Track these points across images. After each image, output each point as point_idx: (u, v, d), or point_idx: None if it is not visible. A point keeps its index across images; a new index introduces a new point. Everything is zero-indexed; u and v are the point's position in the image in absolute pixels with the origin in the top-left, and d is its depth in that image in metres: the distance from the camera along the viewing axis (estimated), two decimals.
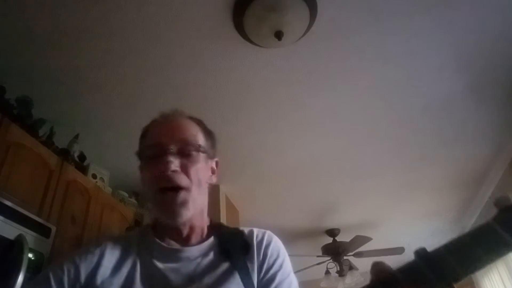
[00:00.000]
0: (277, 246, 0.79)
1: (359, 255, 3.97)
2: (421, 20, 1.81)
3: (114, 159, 2.63)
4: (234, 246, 0.76)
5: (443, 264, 0.42)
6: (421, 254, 0.43)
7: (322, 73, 2.10)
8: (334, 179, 3.21)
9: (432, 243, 0.47)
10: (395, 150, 2.85)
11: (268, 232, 0.82)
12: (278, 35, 1.72)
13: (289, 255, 0.82)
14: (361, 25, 1.82)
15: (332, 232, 4.15)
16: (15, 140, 1.79)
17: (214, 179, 0.84)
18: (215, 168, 0.85)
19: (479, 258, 0.41)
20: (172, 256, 0.74)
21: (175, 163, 0.73)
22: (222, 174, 2.74)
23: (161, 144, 0.76)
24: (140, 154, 0.81)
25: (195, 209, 0.75)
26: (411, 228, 4.18)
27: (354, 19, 1.78)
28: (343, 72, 2.10)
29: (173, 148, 0.75)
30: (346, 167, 3.04)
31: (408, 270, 0.44)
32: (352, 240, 3.81)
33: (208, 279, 0.70)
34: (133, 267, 0.72)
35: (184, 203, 0.73)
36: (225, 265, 0.73)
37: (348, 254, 4.05)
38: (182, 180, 0.73)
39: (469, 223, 4.05)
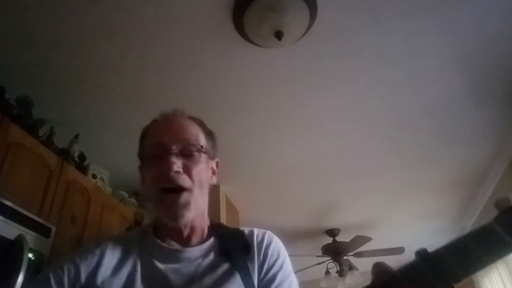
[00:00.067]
0: (277, 247, 0.79)
1: (359, 255, 3.97)
2: (421, 20, 1.81)
3: (114, 159, 2.63)
4: (234, 247, 0.76)
5: (444, 264, 0.42)
6: (421, 254, 0.43)
7: (322, 73, 2.10)
8: (334, 179, 3.21)
9: (432, 243, 0.47)
10: (395, 150, 2.85)
11: (268, 233, 0.82)
12: (278, 35, 1.72)
13: (289, 255, 0.81)
14: (361, 25, 1.82)
15: (332, 232, 4.15)
16: (15, 140, 1.79)
17: (214, 180, 0.84)
18: (216, 168, 0.85)
19: (480, 259, 0.41)
20: (172, 256, 0.74)
21: (177, 164, 0.73)
22: (222, 174, 2.73)
23: (163, 144, 0.75)
24: (141, 154, 0.81)
25: (197, 210, 0.75)
26: (411, 228, 4.18)
27: (354, 19, 1.78)
28: (343, 72, 2.10)
29: (175, 148, 0.75)
30: (346, 167, 3.04)
31: (408, 270, 0.44)
32: (352, 240, 3.81)
33: (209, 280, 0.70)
34: (134, 268, 0.72)
35: (186, 205, 0.73)
36: (225, 266, 0.73)
37: (348, 254, 4.05)
38: (185, 181, 0.73)
39: (469, 223, 4.05)
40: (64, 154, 2.18)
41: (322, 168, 3.03)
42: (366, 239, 3.78)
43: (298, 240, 4.28)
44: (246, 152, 2.76)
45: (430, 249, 0.44)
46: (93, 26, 1.74)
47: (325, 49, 1.94)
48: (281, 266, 0.76)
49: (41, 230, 1.79)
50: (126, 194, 2.80)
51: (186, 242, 0.77)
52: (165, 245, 0.75)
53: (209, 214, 0.84)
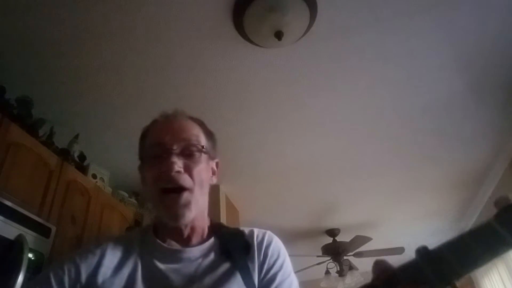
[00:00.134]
0: (277, 247, 0.79)
1: (359, 255, 3.97)
2: (421, 20, 1.81)
3: (114, 159, 2.63)
4: (234, 247, 0.76)
5: (444, 262, 0.42)
6: (422, 252, 0.44)
7: (322, 73, 2.10)
8: (334, 179, 3.21)
9: (432, 243, 0.47)
10: (395, 150, 2.85)
11: (268, 233, 0.82)
12: (278, 35, 1.72)
13: (289, 255, 0.82)
14: (361, 25, 1.82)
15: (332, 232, 4.15)
16: (15, 140, 1.79)
17: (214, 180, 0.84)
18: (216, 169, 0.86)
19: (479, 256, 0.41)
20: (173, 256, 0.74)
21: (178, 164, 0.73)
22: (222, 174, 2.74)
23: (164, 144, 0.75)
24: (141, 155, 0.81)
25: (197, 210, 0.75)
26: (411, 228, 4.18)
27: (354, 19, 1.78)
28: (343, 72, 2.10)
29: (176, 148, 0.75)
30: (346, 167, 3.04)
31: (409, 268, 0.44)
32: (352, 240, 3.81)
33: (209, 280, 0.70)
34: (134, 268, 0.72)
35: (187, 204, 0.73)
36: (226, 266, 0.73)
37: (348, 254, 4.05)
38: (186, 181, 0.73)
39: (469, 223, 4.05)
40: (64, 154, 2.18)
41: (322, 168, 3.03)
42: (366, 239, 3.79)
43: (298, 240, 4.28)
44: (246, 152, 2.76)
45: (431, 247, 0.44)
46: (93, 26, 1.74)
47: (325, 49, 1.94)
48: (281, 266, 0.76)
49: (41, 230, 1.79)
50: (126, 194, 2.80)
51: (186, 242, 0.77)
52: (165, 245, 0.75)
53: (209, 214, 0.84)
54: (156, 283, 0.70)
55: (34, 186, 1.86)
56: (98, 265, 0.71)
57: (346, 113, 2.43)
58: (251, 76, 2.09)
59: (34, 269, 1.64)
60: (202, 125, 0.84)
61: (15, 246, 1.59)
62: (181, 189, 0.73)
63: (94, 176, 2.48)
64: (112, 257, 0.73)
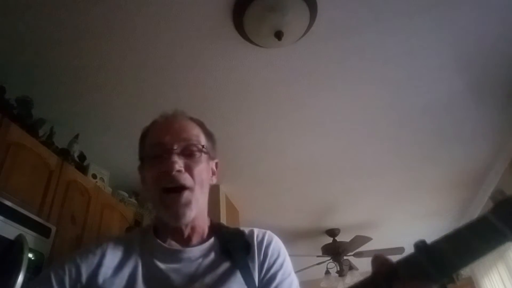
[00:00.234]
0: (277, 246, 0.79)
1: (359, 255, 3.97)
2: (421, 20, 1.81)
3: (114, 159, 2.63)
4: (235, 246, 0.76)
5: (442, 256, 0.43)
6: (420, 246, 0.45)
7: (322, 73, 2.10)
8: (334, 179, 3.21)
9: None
10: (395, 150, 2.85)
11: (268, 232, 0.82)
12: (278, 35, 1.72)
13: (289, 255, 0.82)
14: (361, 25, 1.82)
15: (332, 232, 4.15)
16: (15, 140, 1.79)
17: (214, 180, 0.85)
18: (215, 169, 0.86)
19: (477, 249, 0.42)
20: (173, 256, 0.74)
21: (179, 163, 0.73)
22: (222, 174, 2.74)
23: (165, 144, 0.76)
24: (141, 155, 0.81)
25: (198, 209, 0.76)
26: (411, 228, 4.18)
27: (354, 19, 1.78)
28: (343, 72, 2.10)
29: (176, 148, 0.75)
30: (346, 167, 3.04)
31: (408, 262, 0.45)
32: (352, 240, 3.81)
33: (210, 279, 0.70)
34: (135, 268, 0.72)
35: (187, 204, 0.73)
36: (226, 265, 0.73)
37: (348, 254, 4.05)
38: (186, 180, 0.74)
39: None
40: (64, 154, 2.18)
41: (322, 168, 3.03)
42: (366, 239, 3.79)
43: (298, 240, 4.28)
44: (246, 152, 2.76)
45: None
46: (93, 26, 1.74)
47: (325, 49, 1.94)
48: (281, 265, 0.76)
49: (41, 230, 1.79)
50: (126, 194, 2.80)
51: (186, 242, 0.77)
52: (165, 245, 0.76)
53: (209, 214, 0.84)
54: (157, 283, 0.70)
55: (34, 186, 1.86)
56: (99, 265, 0.71)
57: (346, 113, 2.44)
58: (251, 76, 2.09)
59: (34, 269, 1.64)
60: (202, 125, 0.84)
61: (15, 246, 1.59)
62: (181, 188, 0.73)
63: (94, 176, 2.48)
64: (112, 257, 0.73)
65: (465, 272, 4.38)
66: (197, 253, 0.75)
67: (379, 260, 0.47)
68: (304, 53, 1.95)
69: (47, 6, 1.64)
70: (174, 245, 0.76)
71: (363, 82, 2.18)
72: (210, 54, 1.93)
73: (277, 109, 2.37)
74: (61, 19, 1.70)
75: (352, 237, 3.79)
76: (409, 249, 0.46)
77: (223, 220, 2.96)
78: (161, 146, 0.76)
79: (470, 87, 2.27)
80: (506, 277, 3.47)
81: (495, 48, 2.00)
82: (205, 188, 0.79)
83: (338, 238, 4.15)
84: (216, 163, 0.86)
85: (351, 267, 3.99)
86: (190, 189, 0.74)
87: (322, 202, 3.60)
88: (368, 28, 1.84)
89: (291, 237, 4.14)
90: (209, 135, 0.84)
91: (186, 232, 0.77)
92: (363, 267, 4.02)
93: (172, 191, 0.73)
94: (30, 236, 1.68)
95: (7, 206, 1.63)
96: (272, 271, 0.74)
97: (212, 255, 0.75)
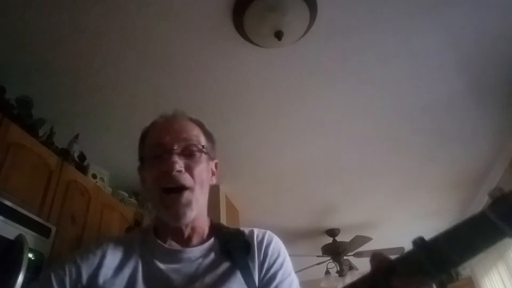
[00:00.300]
0: (277, 246, 0.79)
1: (359, 255, 3.97)
2: (421, 20, 1.81)
3: (114, 159, 2.63)
4: (235, 247, 0.76)
5: (440, 252, 0.43)
6: (418, 243, 0.45)
7: (322, 73, 2.10)
8: (334, 179, 3.21)
9: None
10: (395, 150, 2.85)
11: (268, 232, 0.82)
12: (278, 35, 1.72)
13: (289, 255, 0.82)
14: (361, 25, 1.82)
15: (332, 232, 4.16)
16: (15, 140, 1.79)
17: (214, 180, 0.85)
18: (215, 169, 0.86)
19: (475, 245, 0.42)
20: (173, 257, 0.74)
21: (179, 163, 0.73)
22: (222, 174, 2.74)
23: (164, 144, 0.76)
24: (141, 155, 0.81)
25: (198, 209, 0.76)
26: (411, 228, 4.19)
27: (354, 19, 1.78)
28: (343, 72, 2.10)
29: (176, 148, 0.75)
30: (346, 167, 3.04)
31: (407, 259, 0.46)
32: (352, 240, 3.81)
33: (210, 279, 0.70)
34: (135, 268, 0.72)
35: (188, 204, 0.73)
36: (226, 264, 0.73)
37: (348, 254, 4.05)
38: (187, 180, 0.74)
39: None
40: (64, 154, 2.18)
41: (322, 168, 3.03)
42: (366, 239, 3.79)
43: (298, 240, 4.28)
44: (246, 152, 2.76)
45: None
46: (93, 26, 1.74)
47: (325, 49, 1.94)
48: (281, 265, 0.76)
49: (41, 230, 1.79)
50: (126, 194, 2.80)
51: (186, 242, 0.77)
52: (165, 245, 0.76)
53: (209, 214, 0.84)
54: (157, 283, 0.70)
55: (34, 186, 1.86)
56: (99, 265, 0.71)
57: (346, 113, 2.44)
58: (251, 76, 2.09)
59: (34, 269, 1.64)
60: (201, 126, 0.84)
61: (15, 246, 1.59)
62: (182, 188, 0.73)
63: (94, 176, 2.48)
64: (113, 257, 0.73)
65: (465, 272, 4.39)
66: (197, 253, 0.75)
67: (377, 258, 0.47)
68: (304, 53, 1.95)
69: (47, 6, 1.64)
70: (174, 245, 0.76)
71: (363, 82, 2.18)
72: (210, 54, 1.93)
73: (277, 109, 2.37)
74: (61, 19, 1.70)
75: (352, 237, 3.79)
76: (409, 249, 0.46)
77: (223, 220, 2.96)
78: (161, 147, 0.76)
79: (470, 87, 2.27)
80: (506, 277, 3.47)
81: (495, 48, 2.00)
82: (205, 188, 0.79)
83: (338, 238, 4.15)
84: (216, 164, 0.86)
85: (351, 267, 3.99)
86: (190, 189, 0.74)
87: (322, 202, 3.60)
88: (368, 28, 1.84)
89: (291, 237, 4.14)
90: (208, 136, 0.84)
91: (186, 232, 0.77)
92: (363, 267, 4.02)
93: (173, 191, 0.73)
94: (30, 236, 1.68)
95: (7, 206, 1.63)
96: (272, 270, 0.74)
97: (212, 255, 0.75)
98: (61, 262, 0.73)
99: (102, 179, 2.54)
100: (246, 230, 0.82)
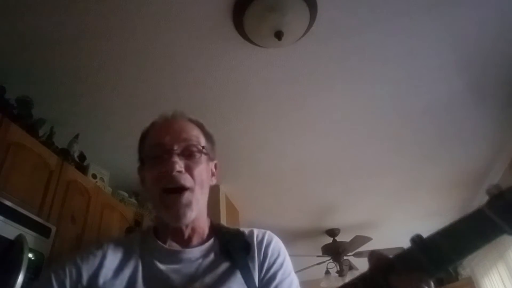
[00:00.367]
0: (277, 246, 0.79)
1: (359, 255, 3.97)
2: (421, 20, 1.81)
3: (114, 159, 2.63)
4: (234, 247, 0.76)
5: (438, 249, 0.44)
6: (416, 240, 0.45)
7: (322, 73, 2.10)
8: (334, 179, 3.21)
9: None
10: (395, 150, 2.85)
11: (268, 232, 0.82)
12: (278, 35, 1.72)
13: (289, 255, 0.82)
14: (361, 25, 1.82)
15: (332, 232, 4.16)
16: (15, 140, 1.79)
17: (214, 181, 0.85)
18: (214, 170, 0.86)
19: (472, 242, 0.43)
20: (173, 257, 0.74)
21: (179, 164, 0.73)
22: (222, 174, 2.74)
23: (164, 144, 0.76)
24: (141, 156, 0.81)
25: (198, 210, 0.76)
26: (411, 228, 4.15)
27: (354, 19, 1.78)
28: (343, 72, 2.10)
29: (176, 148, 0.75)
30: (346, 167, 3.04)
31: (405, 257, 0.46)
32: (352, 240, 3.81)
33: (210, 279, 0.70)
34: (135, 269, 0.72)
35: (188, 204, 0.73)
36: (226, 265, 0.73)
37: (348, 254, 4.05)
38: (187, 180, 0.74)
39: None
40: (64, 154, 2.18)
41: (322, 168, 3.03)
42: (366, 239, 3.79)
43: (298, 240, 4.28)
44: (246, 152, 2.76)
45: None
46: (93, 26, 1.74)
47: (325, 49, 1.94)
48: (281, 265, 0.76)
49: (41, 230, 1.79)
50: (126, 194, 2.80)
51: (186, 243, 0.77)
52: (165, 246, 0.76)
53: (209, 214, 0.84)
54: (157, 283, 0.70)
55: (34, 186, 1.86)
56: (99, 266, 0.71)
57: (346, 113, 2.44)
58: (251, 76, 2.09)
59: (34, 269, 1.64)
60: (201, 126, 0.84)
61: (15, 246, 1.59)
62: (182, 189, 0.73)
63: (94, 176, 2.48)
64: (113, 258, 0.73)
65: (465, 272, 4.39)
66: (197, 253, 0.75)
67: (375, 256, 0.47)
68: (304, 53, 1.95)
69: (47, 6, 1.64)
70: (174, 246, 0.76)
71: (363, 82, 2.18)
72: (210, 54, 1.93)
73: (277, 109, 2.37)
74: (61, 19, 1.70)
75: (352, 237, 3.79)
76: None
77: (223, 220, 2.96)
78: (161, 147, 0.76)
79: (470, 87, 2.27)
80: (506, 277, 3.47)
81: (495, 48, 2.00)
82: (205, 189, 0.79)
83: (338, 238, 4.15)
84: (216, 164, 0.86)
85: (351, 267, 3.99)
86: (191, 189, 0.74)
87: (322, 202, 3.60)
88: (368, 28, 1.84)
89: (291, 237, 4.14)
90: (208, 136, 0.84)
91: (187, 232, 0.77)
92: (363, 267, 4.00)
93: (173, 192, 0.73)
94: (30, 236, 1.68)
95: (7, 206, 1.63)
96: (272, 270, 0.74)
97: (212, 256, 0.75)
98: (61, 263, 0.73)
99: (102, 179, 2.54)
100: (246, 231, 0.82)
